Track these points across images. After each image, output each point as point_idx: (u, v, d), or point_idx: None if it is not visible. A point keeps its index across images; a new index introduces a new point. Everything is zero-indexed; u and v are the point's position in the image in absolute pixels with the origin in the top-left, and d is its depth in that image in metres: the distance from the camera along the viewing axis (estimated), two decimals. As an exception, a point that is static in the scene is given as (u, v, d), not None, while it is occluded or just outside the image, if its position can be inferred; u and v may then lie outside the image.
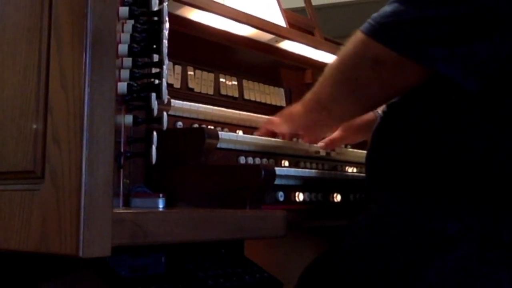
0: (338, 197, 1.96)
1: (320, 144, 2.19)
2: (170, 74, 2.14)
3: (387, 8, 1.61)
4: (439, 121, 1.59)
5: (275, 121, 2.11)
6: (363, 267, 1.60)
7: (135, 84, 1.49)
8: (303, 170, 2.01)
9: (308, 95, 1.92)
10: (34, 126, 1.32)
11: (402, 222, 1.59)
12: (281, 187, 1.76)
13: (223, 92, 2.37)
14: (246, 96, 2.46)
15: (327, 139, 2.20)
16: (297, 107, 2.01)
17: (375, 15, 1.64)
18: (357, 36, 1.67)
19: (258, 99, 2.51)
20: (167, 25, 1.55)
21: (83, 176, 1.20)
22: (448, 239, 1.51)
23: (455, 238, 1.51)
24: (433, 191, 1.57)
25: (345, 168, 2.31)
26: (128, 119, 1.52)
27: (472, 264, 1.50)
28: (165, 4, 1.56)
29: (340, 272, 1.63)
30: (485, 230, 1.51)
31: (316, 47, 2.55)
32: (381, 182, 1.71)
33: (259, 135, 2.09)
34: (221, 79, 2.37)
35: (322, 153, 2.18)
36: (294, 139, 2.17)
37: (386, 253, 1.58)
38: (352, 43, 1.69)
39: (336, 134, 2.20)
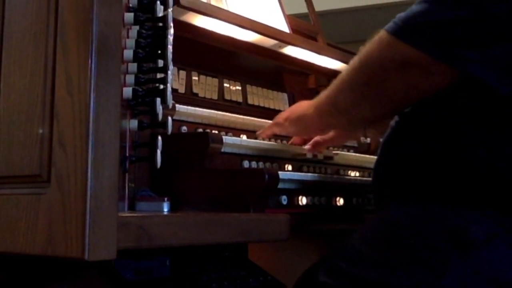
0: (341, 201, 1.96)
1: (307, 146, 2.14)
2: (174, 79, 2.14)
3: (415, 8, 1.55)
4: (461, 125, 1.56)
5: (283, 124, 2.06)
6: (378, 273, 1.55)
7: (140, 89, 1.50)
8: (306, 174, 2.02)
9: (322, 99, 1.84)
10: (40, 131, 1.33)
11: (421, 228, 1.56)
12: (284, 191, 1.77)
13: (227, 97, 2.38)
14: (250, 101, 2.47)
15: (313, 141, 2.15)
16: (308, 110, 1.93)
17: (401, 15, 1.58)
18: (382, 37, 1.60)
19: (261, 104, 2.51)
20: (171, 30, 1.56)
21: (89, 180, 1.21)
22: (471, 242, 1.48)
23: (478, 241, 1.48)
24: (456, 197, 1.54)
25: (347, 172, 2.32)
26: (133, 123, 1.53)
27: (495, 269, 1.48)
28: (170, 10, 1.57)
29: (349, 277, 1.58)
30: (510, 236, 1.49)
31: (319, 52, 2.56)
32: (396, 189, 1.68)
33: (263, 138, 2.08)
34: (225, 84, 2.38)
35: (320, 156, 2.17)
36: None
37: (404, 258, 1.54)
38: (376, 44, 1.62)
39: (326, 135, 2.13)
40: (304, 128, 2.02)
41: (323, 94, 1.84)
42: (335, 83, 1.77)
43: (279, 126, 2.09)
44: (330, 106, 1.81)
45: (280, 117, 2.11)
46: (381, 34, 1.61)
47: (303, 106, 2.00)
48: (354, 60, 1.70)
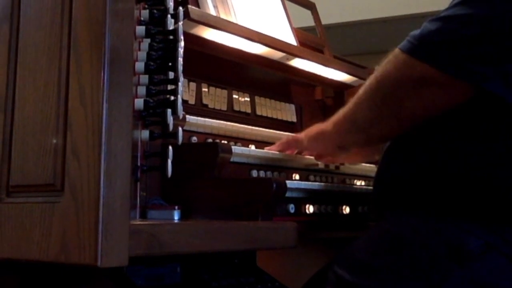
0: (347, 210, 1.98)
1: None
2: (185, 90, 2.16)
3: (429, 27, 1.55)
4: (462, 137, 1.57)
5: (302, 140, 2.05)
6: (379, 282, 1.57)
7: (151, 101, 1.52)
8: (313, 183, 2.04)
9: (340, 116, 1.83)
10: (54, 141, 1.35)
11: (422, 239, 1.57)
12: (292, 200, 1.78)
13: (236, 108, 2.40)
14: (258, 112, 2.49)
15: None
16: (327, 127, 1.92)
17: (415, 33, 1.58)
18: (397, 56, 1.60)
19: (269, 115, 2.53)
20: (182, 43, 1.58)
21: (102, 189, 1.23)
22: (468, 254, 1.50)
23: (474, 254, 1.50)
24: (455, 208, 1.55)
25: (353, 181, 2.34)
26: (145, 134, 1.55)
27: (492, 280, 1.49)
28: (180, 23, 1.59)
29: (350, 286, 1.61)
30: (508, 247, 1.50)
31: (325, 65, 2.57)
32: (396, 200, 1.68)
33: (279, 151, 2.06)
34: (234, 96, 2.40)
35: (332, 166, 2.20)
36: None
37: (404, 269, 1.56)
38: (391, 63, 1.62)
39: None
40: (322, 145, 1.99)
41: (341, 112, 1.83)
42: (352, 101, 1.76)
43: (296, 142, 2.08)
44: (349, 123, 1.80)
45: (297, 135, 2.10)
46: (396, 53, 1.61)
47: (321, 124, 1.99)
48: (371, 79, 1.69)
